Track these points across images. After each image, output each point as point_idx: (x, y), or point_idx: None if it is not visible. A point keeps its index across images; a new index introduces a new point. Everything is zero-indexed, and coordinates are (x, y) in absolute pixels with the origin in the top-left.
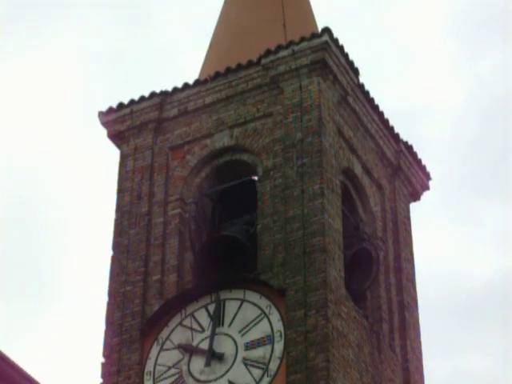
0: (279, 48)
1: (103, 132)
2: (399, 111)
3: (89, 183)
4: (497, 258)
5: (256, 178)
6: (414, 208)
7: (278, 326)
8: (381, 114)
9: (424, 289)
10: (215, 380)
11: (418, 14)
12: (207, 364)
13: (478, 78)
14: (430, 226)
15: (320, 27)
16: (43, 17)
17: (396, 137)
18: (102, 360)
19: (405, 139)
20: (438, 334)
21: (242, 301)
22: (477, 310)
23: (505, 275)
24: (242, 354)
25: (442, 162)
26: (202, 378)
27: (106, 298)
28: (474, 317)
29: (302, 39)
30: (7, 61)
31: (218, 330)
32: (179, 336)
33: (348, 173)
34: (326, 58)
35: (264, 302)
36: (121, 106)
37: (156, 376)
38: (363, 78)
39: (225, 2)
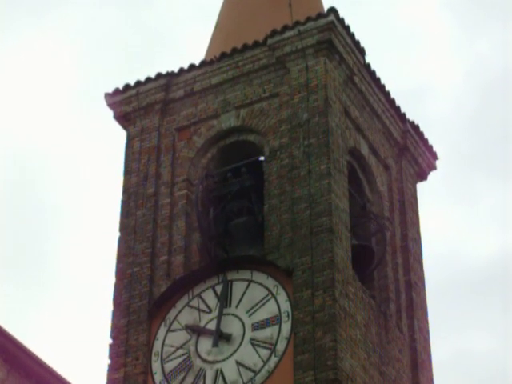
0: (285, 28)
1: (110, 113)
2: (402, 90)
3: (95, 165)
4: (497, 237)
5: (263, 158)
6: (421, 188)
7: (286, 306)
8: (387, 94)
9: (428, 268)
10: (223, 360)
11: None
12: (215, 344)
13: (477, 55)
14: (431, 205)
15: (326, 7)
16: None
17: (402, 116)
18: (110, 341)
19: (410, 118)
20: (440, 314)
21: (249, 281)
22: (479, 289)
23: (506, 254)
24: (249, 334)
25: (443, 141)
26: (210, 358)
27: (113, 280)
28: (477, 296)
29: (308, 19)
30: (12, 42)
31: (225, 310)
32: (187, 317)
33: (354, 153)
34: (332, 38)
35: (271, 283)
36: (127, 87)
37: (164, 357)
38: (369, 58)
39: None
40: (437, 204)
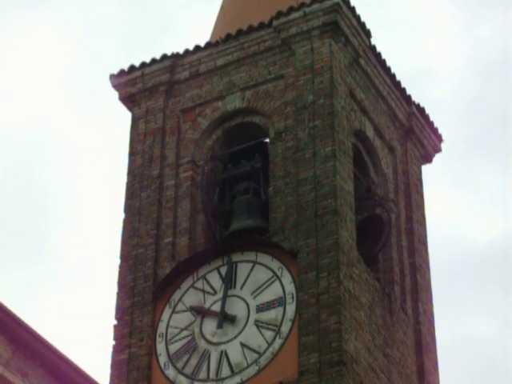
0: (291, 10)
1: (115, 94)
2: (405, 72)
3: (100, 146)
4: (498, 221)
5: (268, 140)
6: (426, 170)
7: (290, 288)
8: (392, 76)
9: (431, 251)
10: (227, 342)
11: None
12: (219, 326)
13: (477, 39)
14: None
15: None
16: None
17: (408, 99)
18: (115, 322)
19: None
20: (440, 298)
21: (254, 263)
22: (480, 273)
23: (508, 238)
24: (253, 316)
25: (444, 124)
26: (214, 339)
27: (118, 261)
28: (477, 280)
29: (314, 1)
30: (14, 23)
31: (229, 292)
32: (191, 298)
33: (360, 135)
34: (338, 20)
35: (276, 264)
36: (132, 68)
37: (168, 338)
38: (374, 40)
39: None
40: (438, 187)
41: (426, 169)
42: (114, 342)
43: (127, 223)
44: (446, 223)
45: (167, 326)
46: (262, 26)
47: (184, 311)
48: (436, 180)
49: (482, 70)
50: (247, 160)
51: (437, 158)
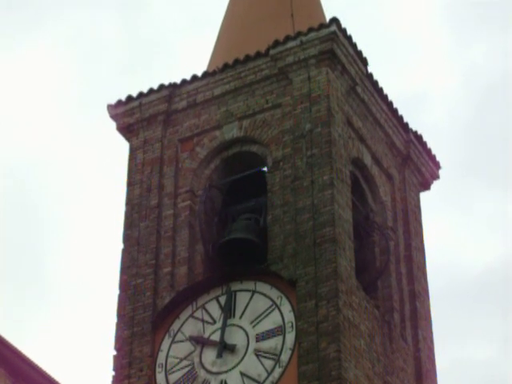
0: (287, 39)
1: (112, 125)
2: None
3: (98, 176)
4: (496, 245)
5: (265, 169)
6: (424, 197)
7: (289, 316)
8: (389, 104)
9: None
10: (227, 371)
11: (416, 2)
12: (219, 355)
13: (472, 63)
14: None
15: (328, 17)
16: (46, 4)
17: (405, 126)
18: (114, 353)
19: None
20: (438, 322)
21: (253, 292)
22: (478, 297)
23: (506, 262)
24: (253, 345)
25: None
26: (214, 369)
27: (117, 291)
28: (476, 304)
29: (310, 30)
30: (13, 51)
31: (229, 321)
32: (190, 328)
33: (357, 163)
34: (335, 48)
35: (275, 293)
36: (129, 98)
37: (168, 368)
38: (371, 68)
39: None
40: (437, 213)
41: (424, 196)
42: (113, 373)
43: (126, 253)
44: (445, 249)
45: (167, 355)
46: (258, 55)
47: (183, 341)
48: (434, 206)
49: (478, 93)
50: (248, 194)
51: (434, 184)
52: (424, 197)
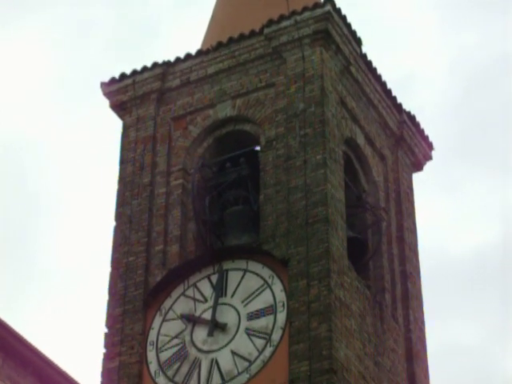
0: (282, 18)
1: (105, 102)
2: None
3: (91, 154)
4: (485, 228)
5: (258, 148)
6: (416, 178)
7: (281, 296)
8: (383, 84)
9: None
10: (218, 350)
11: None
12: (210, 334)
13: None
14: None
15: None
16: None
17: (399, 107)
18: (105, 330)
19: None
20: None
21: (245, 271)
22: (469, 280)
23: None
24: (244, 324)
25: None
26: (205, 347)
27: (108, 269)
28: (467, 287)
29: (305, 9)
30: (5, 31)
31: (220, 300)
32: (182, 306)
33: (351, 143)
34: (329, 28)
35: (266, 272)
36: (123, 76)
37: (159, 346)
38: (365, 48)
39: None
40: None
41: (416, 177)
42: (104, 350)
43: (118, 231)
44: (437, 230)
45: (158, 333)
46: (252, 34)
47: (175, 319)
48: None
49: (466, 76)
50: (232, 167)
51: (427, 165)
52: (417, 177)
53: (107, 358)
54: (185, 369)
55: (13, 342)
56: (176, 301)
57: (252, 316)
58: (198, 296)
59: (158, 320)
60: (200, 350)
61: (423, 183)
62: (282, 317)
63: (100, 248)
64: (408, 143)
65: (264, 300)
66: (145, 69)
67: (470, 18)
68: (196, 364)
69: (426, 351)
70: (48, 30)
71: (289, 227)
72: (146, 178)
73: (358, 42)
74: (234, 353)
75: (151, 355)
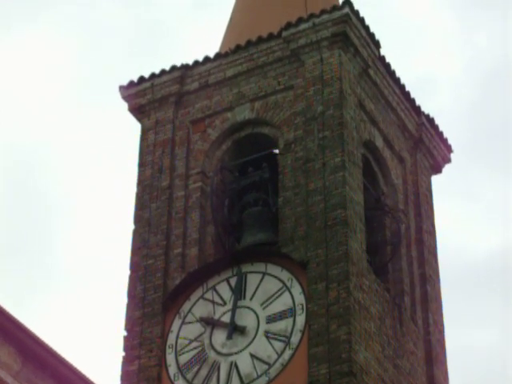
0: (300, 21)
1: (124, 106)
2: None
3: (110, 157)
4: (498, 231)
5: (277, 151)
6: (435, 180)
7: (300, 298)
8: (402, 87)
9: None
10: (237, 353)
11: None
12: (229, 337)
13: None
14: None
15: (341, 0)
16: None
17: (417, 109)
18: (125, 333)
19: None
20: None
21: (264, 274)
22: (480, 283)
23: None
24: (263, 327)
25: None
26: (224, 350)
27: (127, 272)
28: (478, 290)
29: (323, 12)
30: (24, 34)
31: (239, 303)
32: (201, 309)
33: (369, 145)
34: (347, 31)
35: (285, 275)
36: (141, 79)
37: (178, 349)
38: (384, 51)
39: None
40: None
41: (435, 179)
42: (123, 353)
43: (137, 234)
44: (456, 233)
45: (177, 337)
46: (271, 36)
47: (194, 322)
48: (445, 190)
49: (481, 77)
50: (254, 170)
51: (446, 168)
52: (436, 180)
53: (126, 361)
54: (204, 372)
55: (32, 345)
56: (195, 304)
57: (271, 319)
58: (216, 299)
59: (177, 323)
60: (219, 353)
61: (442, 186)
62: (301, 319)
63: (119, 251)
64: (427, 146)
65: (283, 303)
66: (163, 72)
67: (486, 18)
68: (215, 367)
69: (446, 354)
70: (66, 32)
71: (308, 230)
72: (164, 181)
73: (377, 44)
74: (253, 356)
75: (170, 358)
